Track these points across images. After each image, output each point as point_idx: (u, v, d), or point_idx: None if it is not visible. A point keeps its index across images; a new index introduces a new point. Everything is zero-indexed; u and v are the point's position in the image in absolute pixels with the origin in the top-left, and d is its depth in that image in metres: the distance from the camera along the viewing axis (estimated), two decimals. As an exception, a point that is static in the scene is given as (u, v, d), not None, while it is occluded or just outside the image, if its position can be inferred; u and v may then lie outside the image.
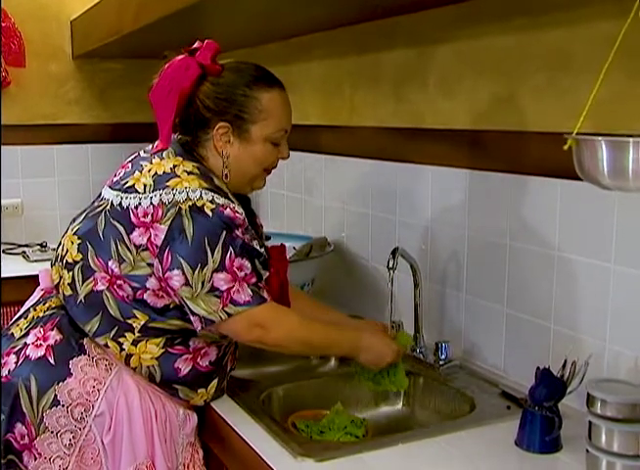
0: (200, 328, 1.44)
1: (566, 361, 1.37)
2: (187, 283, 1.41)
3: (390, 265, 1.75)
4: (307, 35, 2.42)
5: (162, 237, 1.42)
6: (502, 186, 1.69)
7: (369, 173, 2.21)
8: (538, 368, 1.38)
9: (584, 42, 1.47)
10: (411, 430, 1.65)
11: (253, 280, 1.44)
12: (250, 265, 1.44)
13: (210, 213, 1.42)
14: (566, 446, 1.36)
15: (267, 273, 1.53)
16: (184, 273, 1.40)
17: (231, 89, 1.51)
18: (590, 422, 1.23)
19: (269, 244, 1.74)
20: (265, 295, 1.46)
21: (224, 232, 1.42)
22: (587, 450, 1.25)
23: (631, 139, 1.08)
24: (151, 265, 1.44)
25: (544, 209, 1.58)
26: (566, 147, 1.15)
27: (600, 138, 1.11)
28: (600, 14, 1.42)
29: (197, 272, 1.40)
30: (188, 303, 1.43)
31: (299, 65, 2.58)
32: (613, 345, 1.45)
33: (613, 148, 1.10)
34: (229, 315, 1.42)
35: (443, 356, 1.79)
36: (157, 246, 1.42)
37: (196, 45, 1.53)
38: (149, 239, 1.43)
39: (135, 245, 1.44)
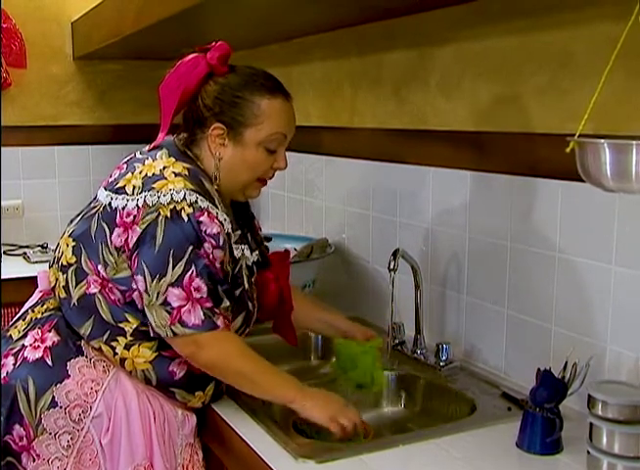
0: (152, 335, 1.44)
1: (567, 363, 1.37)
2: (146, 290, 1.41)
3: (391, 267, 1.74)
4: (308, 36, 2.42)
5: (135, 239, 1.42)
6: (503, 187, 1.69)
7: (370, 174, 2.21)
8: (539, 370, 1.37)
9: (586, 43, 1.47)
10: (412, 431, 1.65)
11: (208, 304, 1.42)
12: (206, 289, 1.42)
13: (186, 218, 1.40)
14: (567, 447, 1.35)
15: (228, 303, 1.47)
16: (145, 280, 1.41)
17: (232, 91, 1.51)
18: (591, 423, 1.23)
19: (271, 246, 1.74)
20: (219, 322, 1.43)
21: (191, 247, 1.40)
22: (588, 452, 1.25)
23: (634, 142, 1.07)
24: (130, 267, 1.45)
25: (545, 210, 1.58)
26: (568, 150, 1.15)
27: (603, 141, 1.11)
28: (601, 15, 1.42)
29: (154, 282, 1.40)
30: (145, 309, 1.43)
31: (300, 66, 2.58)
32: (614, 346, 1.44)
33: (616, 150, 1.10)
34: (175, 334, 1.41)
35: (444, 358, 1.79)
36: (129, 248, 1.43)
37: (210, 45, 1.54)
38: (125, 240, 1.44)
39: (116, 247, 1.45)
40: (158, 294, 1.40)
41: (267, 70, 1.58)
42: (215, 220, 1.44)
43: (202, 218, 1.42)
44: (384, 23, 2.07)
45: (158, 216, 1.41)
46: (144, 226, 1.41)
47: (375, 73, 2.18)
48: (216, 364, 1.47)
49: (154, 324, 1.42)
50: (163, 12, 1.91)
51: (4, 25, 3.12)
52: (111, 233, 1.45)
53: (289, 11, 1.88)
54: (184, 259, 1.40)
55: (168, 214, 1.40)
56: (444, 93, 1.89)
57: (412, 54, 2.00)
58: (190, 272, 1.40)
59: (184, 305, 1.40)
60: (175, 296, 1.40)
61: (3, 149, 3.07)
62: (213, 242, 1.43)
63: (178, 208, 1.41)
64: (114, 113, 3.50)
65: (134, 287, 1.45)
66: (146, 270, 1.40)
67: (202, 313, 1.41)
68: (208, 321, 1.41)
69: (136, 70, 3.48)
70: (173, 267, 1.39)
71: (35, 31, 3.28)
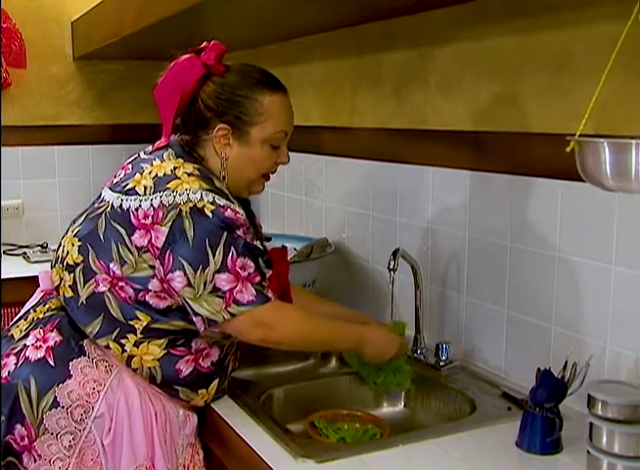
0: (202, 329, 1.44)
1: (566, 363, 1.37)
2: (189, 284, 1.41)
3: (391, 266, 1.75)
4: (308, 36, 2.42)
5: (163, 239, 1.41)
6: (503, 187, 1.69)
7: (370, 174, 2.21)
8: (539, 369, 1.37)
9: (586, 43, 1.47)
10: (412, 431, 1.65)
11: (257, 279, 1.44)
12: (253, 264, 1.44)
13: (211, 215, 1.41)
14: (566, 447, 1.35)
15: (270, 271, 1.53)
16: (186, 274, 1.40)
17: (233, 90, 1.52)
18: (591, 423, 1.23)
19: (269, 245, 1.74)
20: (270, 294, 1.46)
21: (225, 233, 1.42)
22: (588, 452, 1.25)
23: (634, 141, 1.07)
24: (153, 267, 1.44)
25: (545, 210, 1.58)
26: (568, 149, 1.15)
27: (602, 140, 1.11)
28: (601, 15, 1.42)
29: (199, 273, 1.40)
30: (191, 303, 1.42)
31: (300, 66, 2.58)
32: (613, 346, 1.45)
33: (615, 150, 1.10)
34: (232, 315, 1.42)
35: (444, 358, 1.79)
36: (157, 248, 1.42)
37: (202, 45, 1.54)
38: (149, 241, 1.43)
39: (137, 247, 1.44)
40: (205, 283, 1.40)
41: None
42: (238, 214, 1.45)
43: (226, 214, 1.43)
44: (384, 23, 2.07)
45: (180, 212, 1.41)
46: (169, 224, 1.41)
47: (375, 73, 2.18)
48: (289, 341, 1.54)
49: (207, 313, 1.42)
50: (163, 12, 1.91)
51: (4, 25, 3.12)
52: (129, 234, 1.44)
53: (289, 11, 1.89)
54: (221, 245, 1.41)
55: (189, 210, 1.41)
56: (444, 93, 1.89)
57: (412, 54, 2.00)
58: (231, 254, 1.41)
59: (235, 287, 1.41)
60: (224, 281, 1.41)
61: (3, 149, 3.07)
62: (244, 229, 1.46)
63: (199, 205, 1.41)
64: (114, 113, 3.50)
65: (150, 288, 1.45)
66: (186, 265, 1.40)
67: (253, 289, 1.43)
68: (261, 295, 1.43)
69: (136, 70, 3.48)
70: (214, 255, 1.40)
71: (35, 31, 3.28)
